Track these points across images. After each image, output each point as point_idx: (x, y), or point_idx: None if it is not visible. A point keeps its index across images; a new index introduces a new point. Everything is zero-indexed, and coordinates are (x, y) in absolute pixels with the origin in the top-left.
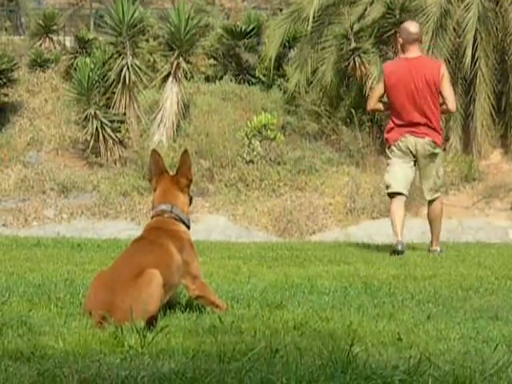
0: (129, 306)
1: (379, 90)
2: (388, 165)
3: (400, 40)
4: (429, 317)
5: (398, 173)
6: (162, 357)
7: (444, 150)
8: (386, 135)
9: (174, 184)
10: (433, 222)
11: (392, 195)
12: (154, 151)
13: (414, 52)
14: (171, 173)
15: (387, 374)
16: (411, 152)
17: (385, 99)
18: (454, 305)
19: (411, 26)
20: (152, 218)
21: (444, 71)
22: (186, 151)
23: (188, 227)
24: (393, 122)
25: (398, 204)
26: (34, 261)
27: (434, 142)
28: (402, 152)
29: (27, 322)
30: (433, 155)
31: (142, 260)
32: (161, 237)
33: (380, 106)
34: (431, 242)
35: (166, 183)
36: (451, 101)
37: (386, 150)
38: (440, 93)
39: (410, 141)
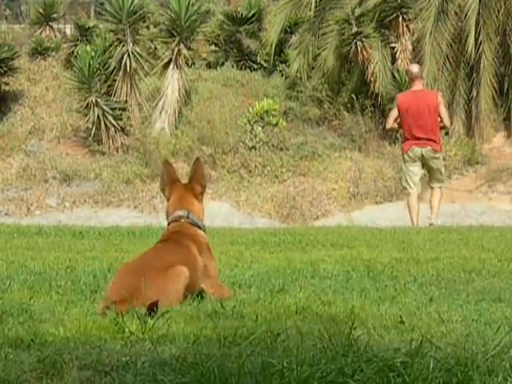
0: (153, 294)
1: (395, 113)
2: (402, 169)
3: (407, 78)
4: (431, 299)
5: (411, 176)
6: (163, 342)
7: (447, 134)
8: (402, 145)
9: (188, 191)
10: (433, 205)
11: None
12: (166, 161)
13: (418, 86)
14: (183, 181)
15: (388, 356)
16: (418, 158)
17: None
18: (456, 287)
19: (414, 68)
20: (168, 224)
21: (440, 98)
22: (198, 159)
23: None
24: (404, 136)
25: (413, 199)
26: (35, 249)
27: (434, 149)
28: (411, 159)
29: (28, 310)
30: (434, 158)
31: (172, 258)
32: (184, 240)
33: (395, 125)
34: (431, 217)
35: (180, 191)
36: (446, 119)
37: (401, 157)
38: (438, 114)
39: (417, 151)
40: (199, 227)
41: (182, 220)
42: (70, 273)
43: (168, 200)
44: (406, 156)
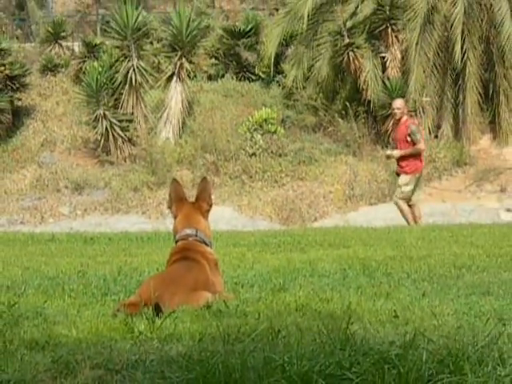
0: (173, 304)
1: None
2: (408, 189)
3: (404, 109)
4: (424, 294)
5: (413, 191)
6: (170, 341)
7: (436, 137)
8: (416, 166)
9: (196, 209)
10: (415, 209)
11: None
12: (174, 180)
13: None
14: (190, 200)
15: (384, 349)
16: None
17: None
18: (447, 282)
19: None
20: (176, 242)
21: None
22: (205, 178)
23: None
24: (420, 159)
25: (406, 205)
26: (48, 255)
27: None
28: (416, 179)
29: (42, 313)
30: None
31: (197, 276)
32: (199, 258)
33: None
34: (415, 221)
35: (188, 209)
36: None
37: (408, 176)
38: None
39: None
40: (206, 244)
41: (191, 238)
42: (81, 277)
43: (175, 218)
44: (418, 175)
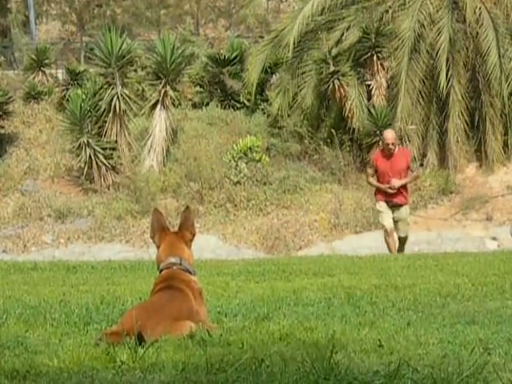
0: (156, 334)
1: None
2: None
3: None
4: (409, 323)
5: None
6: (153, 370)
7: (421, 165)
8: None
9: (179, 238)
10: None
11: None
12: (156, 210)
13: None
14: (172, 229)
15: (368, 378)
16: None
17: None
18: (432, 311)
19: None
20: (160, 271)
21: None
22: (187, 207)
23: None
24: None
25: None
26: (30, 284)
27: None
28: None
29: (24, 343)
30: None
31: (180, 306)
32: (183, 287)
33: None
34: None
35: (171, 238)
36: None
37: (408, 207)
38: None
39: None
40: (190, 273)
41: (175, 267)
42: (63, 306)
43: (158, 247)
44: None
